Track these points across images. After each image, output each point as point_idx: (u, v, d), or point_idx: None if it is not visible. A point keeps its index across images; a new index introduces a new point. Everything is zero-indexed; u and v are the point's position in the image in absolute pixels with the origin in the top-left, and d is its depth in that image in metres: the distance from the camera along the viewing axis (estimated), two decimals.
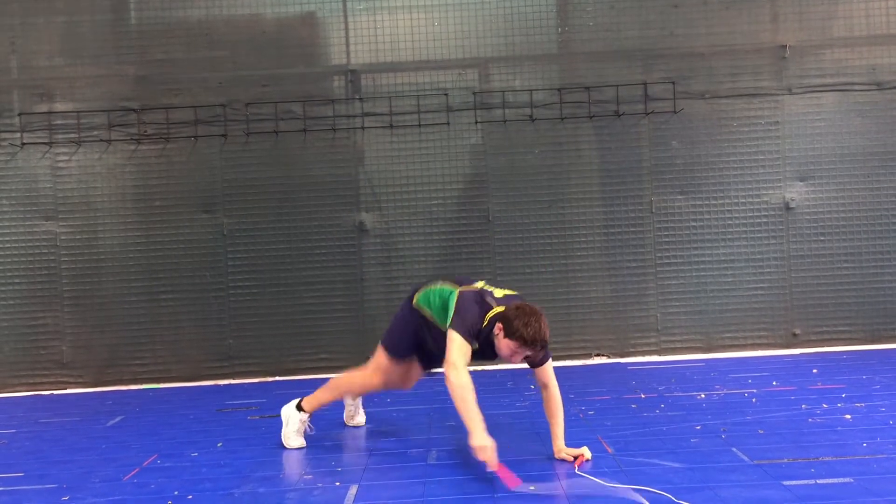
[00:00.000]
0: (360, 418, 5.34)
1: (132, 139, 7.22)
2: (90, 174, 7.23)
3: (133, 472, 4.48)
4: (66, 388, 7.18)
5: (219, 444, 4.99)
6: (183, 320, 7.21)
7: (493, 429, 4.93)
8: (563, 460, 4.25)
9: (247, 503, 3.91)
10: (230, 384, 7.11)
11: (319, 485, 4.11)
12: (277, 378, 7.18)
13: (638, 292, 7.25)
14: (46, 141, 7.21)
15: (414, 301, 4.63)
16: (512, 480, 3.88)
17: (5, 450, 5.18)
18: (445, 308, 4.40)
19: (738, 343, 7.24)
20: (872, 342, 7.22)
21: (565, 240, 7.22)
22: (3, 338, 7.20)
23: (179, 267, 7.22)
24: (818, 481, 3.78)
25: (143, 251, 7.22)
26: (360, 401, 5.34)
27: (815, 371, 6.32)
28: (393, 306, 7.23)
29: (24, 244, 7.22)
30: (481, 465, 4.25)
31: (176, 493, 4.09)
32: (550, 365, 4.35)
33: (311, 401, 4.88)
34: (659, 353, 7.24)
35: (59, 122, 7.21)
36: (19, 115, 7.20)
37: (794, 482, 3.78)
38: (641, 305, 7.25)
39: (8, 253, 7.20)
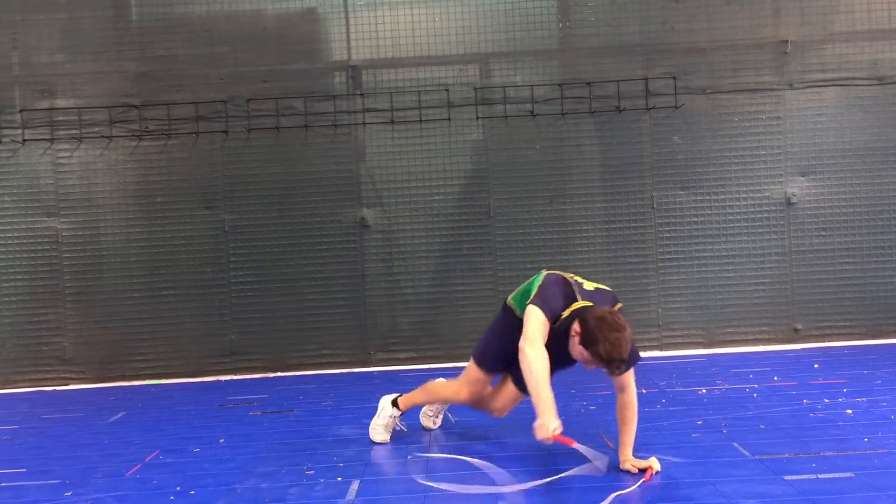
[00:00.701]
0: (431, 422, 4.97)
1: (133, 135, 7.23)
2: (91, 170, 7.24)
3: (135, 468, 4.49)
4: (68, 384, 7.20)
5: (221, 440, 5.00)
6: (185, 316, 7.22)
7: (494, 424, 4.95)
8: (628, 472, 3.92)
9: (249, 498, 3.91)
10: (232, 380, 7.12)
11: (322, 480, 4.12)
12: (279, 374, 7.19)
13: (639, 287, 7.25)
14: (48, 137, 7.22)
15: (508, 299, 4.34)
16: (568, 441, 3.73)
17: (8, 445, 5.19)
18: (528, 292, 4.08)
19: (740, 338, 7.25)
20: (874, 337, 7.22)
21: (566, 235, 7.22)
22: (5, 334, 7.21)
23: (181, 263, 7.23)
24: (819, 476, 3.79)
25: (144, 247, 7.23)
26: (443, 410, 5.01)
27: (816, 366, 6.33)
28: (394, 302, 7.26)
29: (25, 241, 7.22)
30: (482, 461, 4.26)
31: (178, 488, 4.10)
32: (631, 372, 4.00)
33: (407, 399, 4.73)
34: (660, 348, 7.24)
35: (60, 118, 7.22)
36: (21, 111, 7.21)
37: (795, 477, 3.79)
38: (643, 301, 7.25)
39: (10, 249, 7.21)
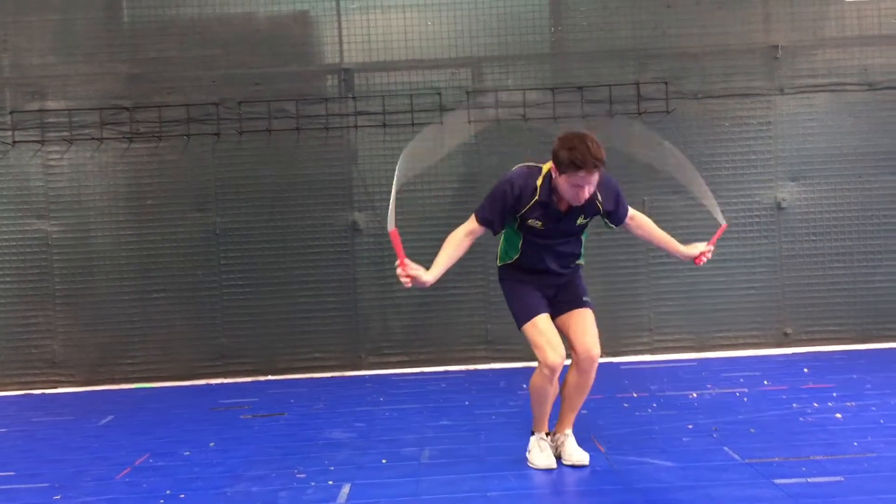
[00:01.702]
0: (576, 453, 4.26)
1: (124, 137, 7.21)
2: (82, 172, 7.21)
3: (125, 471, 4.48)
4: (57, 387, 7.16)
5: (211, 444, 4.98)
6: (175, 319, 7.20)
7: (485, 428, 4.95)
8: (698, 258, 4.19)
9: (239, 502, 3.90)
10: (223, 383, 7.10)
11: (313, 483, 4.11)
12: (270, 377, 7.17)
13: (630, 292, 7.26)
14: (38, 139, 7.19)
15: (498, 262, 4.33)
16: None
17: None
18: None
19: (730, 342, 7.27)
20: (863, 342, 7.25)
21: None
22: None
23: (172, 266, 7.20)
24: (809, 480, 3.80)
25: (135, 250, 7.20)
26: (566, 436, 4.33)
27: (806, 370, 6.35)
28: (386, 306, 7.25)
29: (15, 243, 7.19)
30: (473, 463, 4.26)
31: (168, 492, 4.08)
32: (639, 213, 4.27)
33: (535, 423, 4.33)
34: (651, 352, 7.26)
35: (51, 120, 7.19)
36: (11, 113, 7.18)
37: (785, 481, 3.80)
38: (634, 305, 7.26)
39: None
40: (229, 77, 7.22)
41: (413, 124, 7.19)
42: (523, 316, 4.15)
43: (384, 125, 7.23)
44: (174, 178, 7.21)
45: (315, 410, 5.79)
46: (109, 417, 5.91)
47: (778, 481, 3.80)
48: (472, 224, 4.08)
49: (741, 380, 6.10)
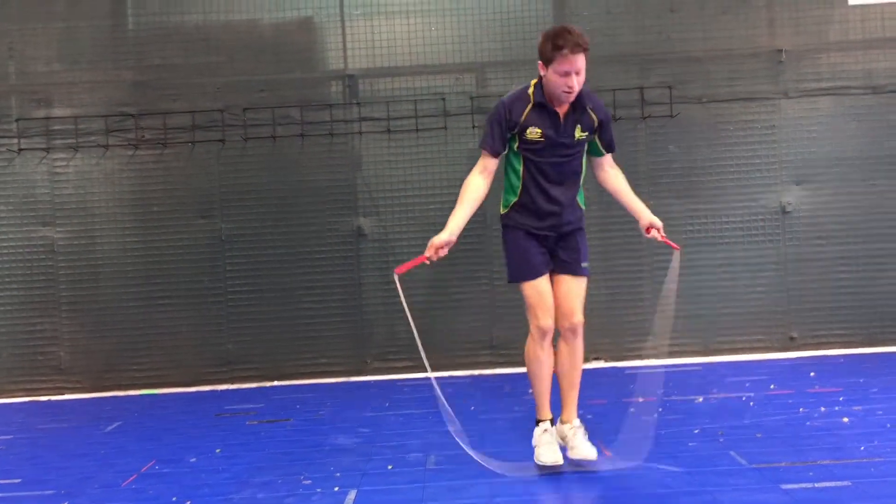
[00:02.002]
0: (582, 447, 4.16)
1: (130, 144, 7.22)
2: (87, 180, 7.23)
3: (131, 478, 4.48)
4: (63, 394, 7.17)
5: (217, 450, 4.98)
6: (181, 325, 7.21)
7: (491, 433, 4.94)
8: (647, 229, 4.22)
9: None
10: (229, 389, 7.10)
11: (318, 490, 4.11)
12: (276, 383, 7.17)
13: (634, 296, 7.25)
14: (44, 146, 7.21)
15: (501, 210, 4.31)
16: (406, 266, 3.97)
17: (3, 456, 5.18)
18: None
19: (736, 347, 7.25)
20: (870, 345, 7.23)
21: None
22: (0, 343, 7.18)
23: (177, 272, 7.22)
24: (816, 485, 3.79)
25: (140, 256, 7.22)
26: (573, 428, 4.26)
27: (812, 374, 6.33)
28: (391, 311, 7.25)
29: (21, 250, 7.21)
30: (480, 469, 4.25)
31: (174, 498, 4.09)
32: (611, 157, 4.38)
33: (539, 409, 4.28)
34: (656, 356, 7.24)
35: (56, 127, 7.21)
36: (17, 120, 7.20)
37: (792, 486, 3.79)
38: (638, 309, 7.25)
39: (5, 259, 7.20)
40: (234, 84, 7.24)
41: (417, 130, 7.20)
42: (526, 273, 4.14)
43: (388, 131, 7.23)
44: (179, 185, 7.23)
45: (320, 416, 5.79)
46: (115, 424, 5.92)
47: (785, 486, 3.79)
48: (482, 159, 4.17)
49: (747, 384, 6.08)
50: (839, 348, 7.22)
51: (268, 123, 7.22)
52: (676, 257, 4.38)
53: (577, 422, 4.25)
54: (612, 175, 4.38)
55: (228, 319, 7.22)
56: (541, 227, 4.17)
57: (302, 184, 7.23)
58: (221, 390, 7.07)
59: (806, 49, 7.26)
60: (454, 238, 4.01)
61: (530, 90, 4.13)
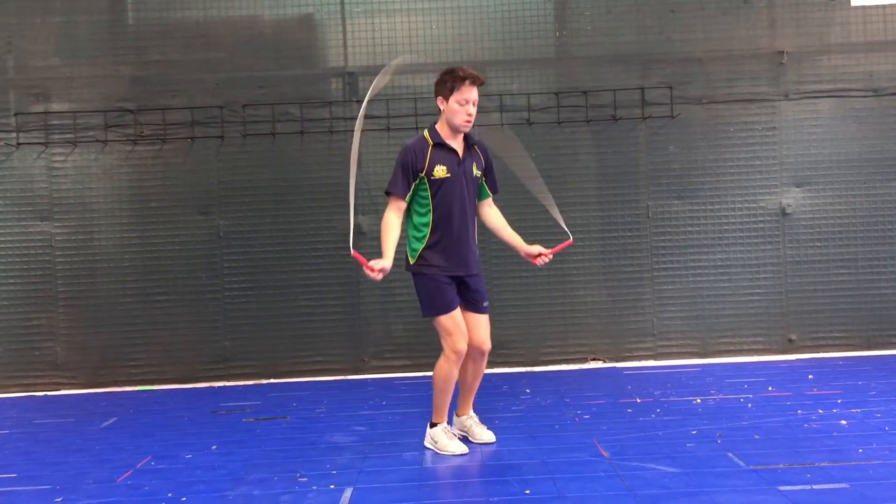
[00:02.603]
0: (484, 433, 4.82)
1: (128, 140, 7.21)
2: (86, 175, 7.22)
3: (127, 474, 4.46)
4: (60, 390, 7.16)
5: (213, 447, 4.97)
6: (178, 322, 7.19)
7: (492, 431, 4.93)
8: (535, 258, 4.76)
9: None
10: (225, 386, 7.08)
11: (314, 487, 4.10)
12: (272, 380, 7.16)
13: (634, 297, 7.25)
14: (42, 141, 7.19)
15: (410, 261, 4.70)
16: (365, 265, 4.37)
17: None
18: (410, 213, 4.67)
19: (734, 348, 7.24)
20: (868, 348, 7.22)
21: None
22: None
23: (175, 268, 7.20)
24: (814, 487, 3.78)
25: (138, 252, 7.20)
26: (470, 419, 4.89)
27: (810, 377, 6.32)
28: (389, 309, 7.24)
29: (19, 245, 7.19)
30: (476, 468, 4.25)
31: (170, 494, 4.07)
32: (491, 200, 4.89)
33: (435, 411, 4.74)
34: (655, 357, 7.24)
35: (55, 122, 7.20)
36: (15, 115, 7.18)
37: (789, 487, 3.78)
38: (637, 310, 7.24)
39: (3, 253, 7.18)
40: (233, 80, 7.23)
41: (417, 128, 7.19)
42: (442, 308, 4.58)
43: (388, 129, 7.22)
44: (178, 181, 7.21)
45: (317, 414, 5.78)
46: (111, 420, 5.90)
47: (782, 488, 3.78)
48: (393, 202, 4.60)
49: (745, 386, 6.07)
50: (838, 351, 7.21)
51: (267, 120, 7.21)
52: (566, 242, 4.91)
53: (472, 413, 4.92)
54: (494, 214, 4.91)
55: (225, 316, 7.21)
56: (450, 266, 4.61)
57: (301, 181, 7.22)
58: (218, 387, 7.06)
59: (807, 50, 7.25)
60: (390, 266, 4.46)
61: (426, 135, 4.64)
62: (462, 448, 4.60)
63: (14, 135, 7.17)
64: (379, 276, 4.39)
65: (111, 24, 7.24)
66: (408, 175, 4.55)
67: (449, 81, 4.52)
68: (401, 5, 7.24)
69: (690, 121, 7.23)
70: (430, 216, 4.59)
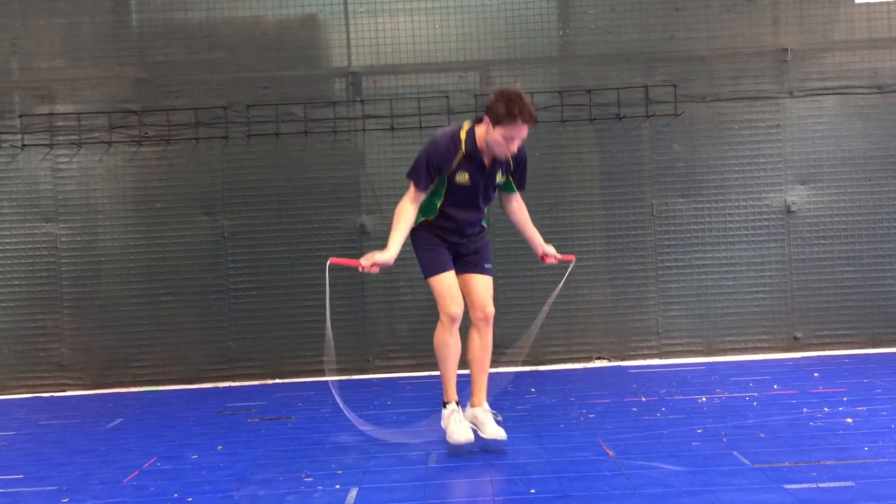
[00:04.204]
0: (495, 428, 4.50)
1: (133, 141, 7.22)
2: (91, 176, 7.23)
3: (133, 475, 4.47)
4: (65, 391, 7.17)
5: (219, 447, 4.98)
6: (183, 322, 7.20)
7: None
8: (543, 256, 4.74)
9: None
10: (230, 386, 7.10)
11: (319, 487, 4.10)
12: (278, 380, 7.17)
13: (639, 295, 7.24)
14: (47, 143, 7.21)
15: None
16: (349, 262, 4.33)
17: (5, 451, 5.17)
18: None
19: (739, 346, 7.23)
20: (874, 346, 7.21)
21: (566, 243, 7.19)
22: (2, 340, 7.19)
23: (180, 269, 7.21)
24: (819, 485, 3.77)
25: (143, 253, 7.22)
26: (484, 412, 4.59)
27: (816, 375, 6.31)
28: (394, 308, 7.24)
29: (24, 246, 7.21)
30: (481, 468, 4.25)
31: (176, 495, 4.08)
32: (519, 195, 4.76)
33: (443, 389, 4.60)
34: (660, 356, 7.23)
35: (59, 123, 7.21)
36: (20, 116, 7.20)
37: (795, 486, 3.77)
38: (642, 308, 7.24)
39: (8, 255, 7.20)
40: (237, 81, 7.23)
41: (421, 127, 7.19)
42: (433, 269, 4.50)
43: (392, 128, 7.22)
44: (182, 182, 7.22)
45: (322, 414, 5.78)
46: (117, 420, 5.91)
47: (788, 486, 3.77)
48: (412, 190, 4.43)
49: (751, 384, 6.06)
50: (843, 348, 7.20)
51: (271, 120, 7.21)
52: (571, 266, 4.95)
53: (486, 405, 4.63)
54: (518, 209, 4.79)
55: (230, 316, 7.22)
56: (448, 242, 4.57)
57: (305, 181, 7.22)
58: (223, 387, 7.07)
59: (811, 48, 7.23)
60: (393, 260, 4.32)
61: (462, 138, 4.39)
62: (466, 436, 4.40)
63: (19, 136, 7.19)
64: (375, 269, 4.27)
65: (115, 26, 7.26)
66: (431, 172, 4.37)
67: (503, 112, 4.19)
68: (404, 5, 7.24)
69: (694, 119, 7.22)
70: (440, 203, 4.47)
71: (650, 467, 4.14)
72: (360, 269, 4.30)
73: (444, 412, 4.59)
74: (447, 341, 4.50)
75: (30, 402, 6.86)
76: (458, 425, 4.47)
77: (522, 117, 4.18)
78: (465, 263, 4.61)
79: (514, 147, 4.29)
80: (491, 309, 4.57)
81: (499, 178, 4.53)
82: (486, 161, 4.42)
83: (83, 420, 6.01)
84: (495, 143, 4.28)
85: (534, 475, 4.11)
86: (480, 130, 4.36)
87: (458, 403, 4.58)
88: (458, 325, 4.50)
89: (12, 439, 5.50)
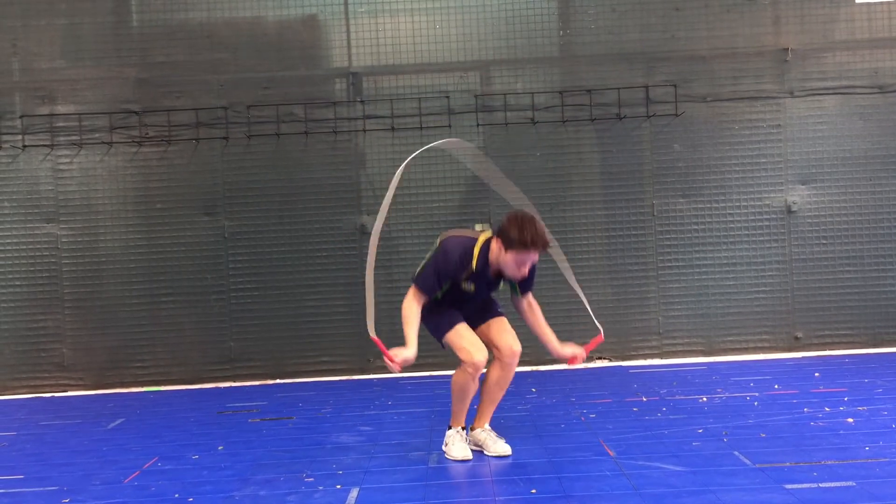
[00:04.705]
0: (498, 445, 4.56)
1: (133, 141, 7.22)
2: (91, 176, 7.23)
3: (134, 475, 4.47)
4: (66, 391, 7.18)
5: (220, 447, 4.98)
6: (184, 323, 7.21)
7: (498, 430, 4.94)
8: (571, 360, 4.45)
9: None
10: (231, 387, 7.10)
11: (320, 487, 4.10)
12: (278, 381, 7.17)
13: (639, 295, 7.24)
14: (48, 143, 7.21)
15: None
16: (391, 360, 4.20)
17: (6, 452, 5.18)
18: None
19: (740, 346, 7.23)
20: (874, 346, 7.21)
21: (567, 243, 7.20)
22: (4, 340, 7.19)
23: (180, 269, 7.21)
24: (820, 485, 3.77)
25: (144, 254, 7.22)
26: (486, 431, 4.64)
27: (817, 375, 6.31)
28: (394, 309, 7.22)
29: (25, 247, 7.21)
30: (482, 468, 4.25)
31: (176, 495, 4.08)
32: (535, 301, 4.58)
33: (452, 416, 4.61)
34: (660, 356, 7.23)
35: (60, 124, 7.22)
36: (21, 117, 7.21)
37: (796, 486, 3.77)
38: (643, 308, 7.24)
39: (9, 255, 7.20)
40: (238, 81, 7.24)
41: (421, 128, 7.19)
42: (445, 326, 4.46)
43: (392, 129, 7.23)
44: (183, 182, 7.22)
45: (323, 414, 5.78)
46: (118, 421, 5.91)
47: (789, 486, 3.77)
48: (417, 294, 4.38)
49: (751, 384, 6.06)
50: (844, 348, 7.20)
51: (272, 121, 7.22)
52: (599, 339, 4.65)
53: (488, 426, 4.64)
54: (529, 309, 4.58)
55: (231, 317, 7.22)
56: (452, 306, 4.55)
57: (305, 181, 7.23)
58: (224, 388, 7.07)
59: (812, 48, 7.23)
60: (415, 355, 4.24)
61: (475, 255, 4.32)
62: (464, 454, 4.44)
63: (20, 137, 7.20)
64: (398, 368, 4.18)
65: (115, 27, 7.26)
66: (441, 280, 4.33)
67: (516, 238, 4.12)
68: (404, 5, 7.24)
69: (695, 119, 7.22)
70: (441, 296, 4.46)
71: (651, 467, 4.14)
72: (388, 363, 4.20)
73: (450, 432, 4.59)
74: (468, 385, 4.45)
75: (31, 403, 6.86)
76: (459, 444, 4.52)
77: (535, 245, 4.12)
78: (476, 317, 4.56)
79: (525, 271, 4.24)
80: (518, 347, 4.48)
81: (502, 286, 4.52)
82: (494, 274, 4.37)
83: (84, 420, 6.01)
84: (505, 266, 4.23)
85: (534, 475, 4.11)
86: (493, 250, 4.27)
87: (463, 428, 4.60)
88: (481, 371, 4.42)
89: (13, 440, 5.51)
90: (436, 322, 4.50)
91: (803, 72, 7.23)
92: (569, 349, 4.48)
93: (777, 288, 7.24)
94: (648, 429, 4.90)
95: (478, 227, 4.44)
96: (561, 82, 7.26)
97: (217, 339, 7.22)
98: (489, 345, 4.52)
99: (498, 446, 4.52)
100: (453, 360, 7.10)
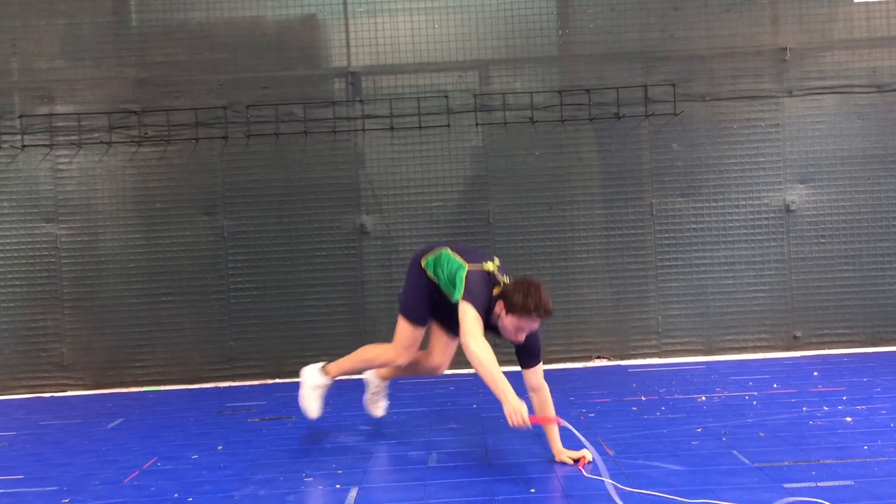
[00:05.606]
0: (380, 408, 5.15)
1: (133, 141, 7.23)
2: (91, 176, 7.24)
3: (133, 475, 4.48)
4: (66, 391, 7.18)
5: (219, 447, 4.98)
6: (183, 322, 7.21)
7: (493, 431, 4.94)
8: (564, 463, 4.24)
9: None
10: (231, 386, 7.10)
11: (320, 487, 4.11)
12: (278, 380, 7.17)
13: (638, 294, 7.25)
14: (47, 143, 7.21)
15: (423, 262, 4.57)
16: (543, 419, 4.15)
17: (6, 452, 5.18)
18: (453, 282, 4.35)
19: (739, 345, 7.24)
20: (873, 345, 7.22)
21: (566, 242, 7.22)
22: (3, 340, 7.20)
23: (180, 269, 7.22)
24: (819, 484, 3.78)
25: (143, 253, 7.22)
26: (384, 387, 5.13)
27: (815, 374, 6.32)
28: (393, 308, 7.23)
29: (24, 246, 7.22)
30: (481, 467, 4.25)
31: (176, 495, 4.08)
32: (541, 367, 4.31)
33: (336, 366, 4.82)
34: (659, 355, 7.24)
35: (59, 124, 7.22)
36: (20, 117, 7.21)
37: (794, 485, 3.78)
38: (642, 308, 7.24)
39: (8, 255, 7.20)
40: (237, 81, 7.24)
41: (420, 127, 7.20)
42: (412, 315, 4.57)
43: (392, 128, 7.23)
44: (182, 182, 7.23)
45: (323, 414, 5.77)
46: (117, 421, 5.92)
47: (787, 485, 3.78)
48: (475, 317, 4.13)
49: (750, 383, 6.07)
50: (843, 347, 7.20)
51: (271, 120, 7.22)
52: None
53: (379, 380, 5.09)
54: (536, 392, 4.34)
55: (231, 316, 7.22)
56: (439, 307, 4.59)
57: (305, 181, 7.23)
58: (223, 387, 7.08)
59: (810, 47, 7.24)
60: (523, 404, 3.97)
61: (492, 293, 4.24)
62: (313, 412, 4.82)
63: (19, 137, 7.20)
64: (520, 422, 3.90)
65: (115, 26, 7.26)
66: (486, 289, 4.22)
67: (519, 304, 4.03)
68: (403, 4, 7.25)
69: (694, 118, 7.23)
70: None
71: (650, 466, 4.15)
72: (520, 424, 3.93)
73: (312, 372, 4.88)
74: (371, 365, 4.79)
75: (30, 403, 6.87)
76: (312, 395, 4.84)
77: (537, 313, 4.05)
78: (451, 326, 4.62)
79: (522, 337, 4.15)
80: (442, 371, 4.83)
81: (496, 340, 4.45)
82: (491, 325, 4.28)
83: (84, 420, 6.01)
84: (504, 328, 4.18)
85: (533, 475, 4.12)
86: (496, 308, 4.21)
87: (332, 379, 4.89)
88: (391, 368, 4.78)
89: (13, 439, 5.51)
90: (414, 303, 4.57)
91: (802, 71, 7.24)
92: (565, 456, 4.24)
93: (776, 287, 7.24)
94: (647, 428, 4.90)
95: (491, 265, 4.25)
96: (560, 82, 7.26)
97: (216, 339, 7.22)
98: (430, 347, 4.75)
99: (377, 407, 5.10)
100: (458, 359, 7.13)
